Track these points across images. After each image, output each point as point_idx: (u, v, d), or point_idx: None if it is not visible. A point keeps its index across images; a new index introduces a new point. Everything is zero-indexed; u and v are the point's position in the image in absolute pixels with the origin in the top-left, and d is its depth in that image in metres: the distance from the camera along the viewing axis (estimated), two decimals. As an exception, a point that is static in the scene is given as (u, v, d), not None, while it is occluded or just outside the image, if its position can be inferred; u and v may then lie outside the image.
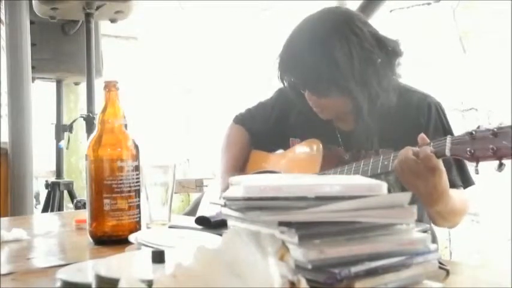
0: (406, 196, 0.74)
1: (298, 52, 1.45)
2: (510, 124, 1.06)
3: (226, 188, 1.53)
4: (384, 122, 1.49)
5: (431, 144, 1.20)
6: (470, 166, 1.40)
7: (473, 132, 1.11)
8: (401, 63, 1.49)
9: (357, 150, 1.53)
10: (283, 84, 1.57)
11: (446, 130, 1.46)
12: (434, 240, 1.28)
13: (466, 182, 1.48)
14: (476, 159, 1.11)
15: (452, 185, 1.37)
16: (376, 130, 1.50)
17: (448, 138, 1.17)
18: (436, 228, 1.50)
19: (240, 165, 1.74)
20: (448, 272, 0.83)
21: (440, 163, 1.20)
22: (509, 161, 1.07)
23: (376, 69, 1.43)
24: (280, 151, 1.70)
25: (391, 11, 3.05)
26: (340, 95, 1.45)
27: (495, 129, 1.07)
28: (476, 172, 1.12)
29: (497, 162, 1.07)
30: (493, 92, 2.62)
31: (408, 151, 1.22)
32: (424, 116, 1.47)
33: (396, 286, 0.70)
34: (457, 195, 1.37)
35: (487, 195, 2.54)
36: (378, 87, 1.44)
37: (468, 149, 1.11)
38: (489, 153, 1.07)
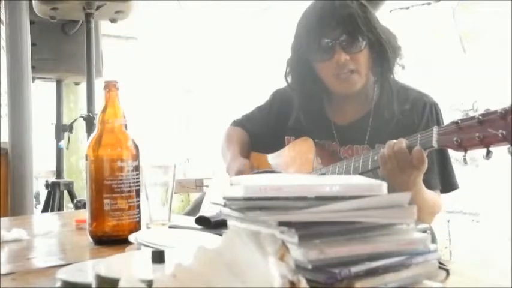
0: (406, 196, 0.74)
1: (336, 10, 1.47)
2: (494, 110, 1.05)
3: (239, 171, 1.53)
4: (379, 117, 1.52)
5: (419, 135, 1.21)
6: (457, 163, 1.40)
7: (459, 122, 1.11)
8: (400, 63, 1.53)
9: (350, 145, 1.55)
10: (294, 64, 1.58)
11: None
12: (434, 240, 1.28)
13: (448, 185, 1.50)
14: (463, 148, 1.10)
15: (429, 187, 1.39)
16: (371, 124, 1.53)
17: (435, 129, 1.17)
18: (436, 228, 1.50)
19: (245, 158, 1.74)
20: (448, 272, 0.83)
21: (426, 160, 1.22)
22: (504, 152, 1.06)
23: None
24: (276, 152, 1.70)
25: (391, 11, 3.05)
26: (370, 50, 1.48)
27: (480, 117, 1.06)
28: (465, 162, 1.11)
29: (485, 150, 1.06)
30: (493, 92, 2.62)
31: (401, 142, 1.23)
32: (418, 115, 1.49)
33: (396, 286, 0.70)
34: (429, 194, 1.39)
35: (487, 195, 2.54)
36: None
37: (455, 138, 1.11)
38: (476, 142, 1.07)
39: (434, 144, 1.16)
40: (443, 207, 1.49)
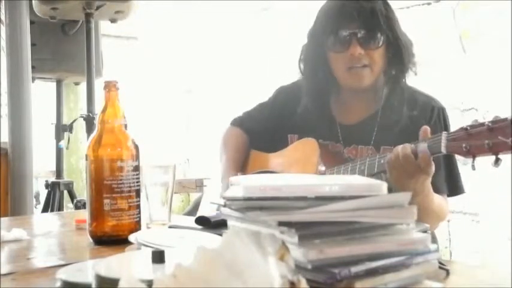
0: (406, 196, 0.74)
1: (359, 3, 1.46)
2: (504, 118, 1.04)
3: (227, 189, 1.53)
4: (386, 119, 1.51)
5: (427, 141, 1.20)
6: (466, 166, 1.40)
7: (468, 128, 1.10)
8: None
9: (355, 145, 1.54)
10: (309, 51, 1.56)
11: None
12: (434, 240, 1.28)
13: (455, 189, 1.49)
14: (472, 155, 1.10)
15: (437, 191, 1.38)
16: (378, 125, 1.52)
17: (444, 135, 1.16)
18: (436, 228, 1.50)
19: (239, 166, 1.73)
20: (448, 272, 0.83)
21: (433, 164, 1.21)
22: (507, 156, 1.05)
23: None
24: (278, 152, 1.69)
25: (391, 11, 3.04)
26: (387, 49, 1.48)
27: (490, 124, 1.06)
28: (473, 168, 1.10)
29: (493, 157, 1.06)
30: (493, 92, 2.62)
31: (407, 148, 1.23)
32: (426, 119, 1.48)
33: (396, 286, 0.70)
34: (437, 199, 1.37)
35: (487, 195, 2.54)
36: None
37: (464, 145, 1.10)
38: (485, 149, 1.06)
39: (443, 150, 1.16)
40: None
